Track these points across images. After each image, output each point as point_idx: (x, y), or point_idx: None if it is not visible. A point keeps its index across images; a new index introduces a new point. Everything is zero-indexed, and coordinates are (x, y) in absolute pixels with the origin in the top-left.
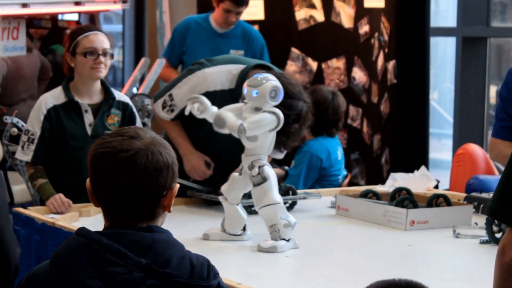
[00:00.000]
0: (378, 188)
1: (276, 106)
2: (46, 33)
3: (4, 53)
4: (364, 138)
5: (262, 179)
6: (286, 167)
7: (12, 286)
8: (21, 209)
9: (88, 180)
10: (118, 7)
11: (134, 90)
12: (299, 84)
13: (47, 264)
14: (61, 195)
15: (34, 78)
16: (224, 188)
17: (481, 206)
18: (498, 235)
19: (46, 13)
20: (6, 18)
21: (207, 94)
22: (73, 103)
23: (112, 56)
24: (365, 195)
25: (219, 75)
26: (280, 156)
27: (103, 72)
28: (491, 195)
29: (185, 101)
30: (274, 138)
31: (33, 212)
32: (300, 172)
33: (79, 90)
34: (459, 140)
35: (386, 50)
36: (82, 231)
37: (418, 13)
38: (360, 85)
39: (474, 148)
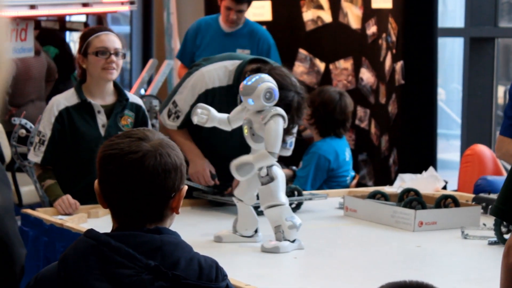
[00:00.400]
0: (386, 189)
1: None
2: (37, 34)
3: (12, 55)
4: (372, 139)
5: (270, 179)
6: (294, 168)
7: (18, 287)
8: (29, 210)
9: (96, 181)
10: (125, 8)
11: (142, 91)
12: (291, 76)
13: (55, 266)
14: (69, 196)
15: (42, 79)
16: (238, 191)
17: (490, 207)
18: (506, 236)
19: (54, 15)
20: (14, 19)
21: (207, 92)
22: (85, 104)
23: (124, 56)
24: (373, 196)
25: (216, 71)
26: (287, 153)
27: (115, 74)
28: None
29: (189, 104)
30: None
31: (42, 213)
32: (308, 173)
33: (91, 91)
34: (467, 141)
35: (394, 50)
36: (91, 232)
37: (425, 14)
38: (368, 86)
39: (482, 148)
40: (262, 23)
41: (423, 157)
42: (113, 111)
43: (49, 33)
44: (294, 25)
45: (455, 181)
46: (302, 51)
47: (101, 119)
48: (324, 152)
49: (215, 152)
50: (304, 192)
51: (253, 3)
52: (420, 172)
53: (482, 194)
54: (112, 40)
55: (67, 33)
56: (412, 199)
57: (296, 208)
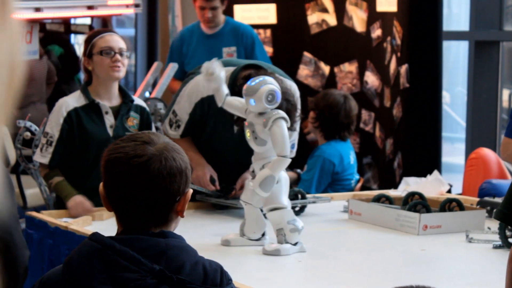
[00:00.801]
0: (391, 192)
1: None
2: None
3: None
4: (377, 142)
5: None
6: (299, 170)
7: None
8: (34, 213)
9: (101, 185)
10: (130, 11)
11: (147, 94)
12: (282, 83)
13: (60, 269)
14: (84, 200)
15: (43, 81)
16: (245, 196)
17: (494, 210)
18: (511, 240)
19: (59, 17)
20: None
21: (203, 101)
22: (93, 105)
23: (128, 56)
24: (377, 199)
25: None
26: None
27: (122, 71)
28: None
29: (187, 113)
30: None
31: (46, 216)
32: (312, 177)
33: (98, 92)
34: (471, 144)
35: (399, 54)
36: (95, 236)
37: (430, 17)
38: (373, 89)
39: (486, 152)
40: (266, 26)
41: (427, 161)
42: (119, 112)
43: (54, 33)
44: (299, 28)
45: (460, 185)
46: (307, 54)
47: (109, 119)
48: (328, 155)
49: (216, 155)
50: (308, 196)
51: (258, 6)
52: (424, 175)
53: (486, 198)
54: (116, 40)
55: (72, 35)
56: (416, 203)
57: (300, 211)
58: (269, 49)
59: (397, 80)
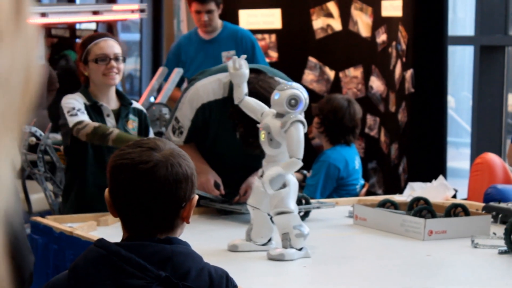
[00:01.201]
0: (396, 197)
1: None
2: (57, 40)
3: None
4: (382, 147)
5: (283, 186)
6: (305, 172)
7: None
8: (39, 218)
9: (106, 190)
10: (136, 16)
11: (152, 99)
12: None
13: (66, 275)
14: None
15: (44, 87)
16: (252, 200)
17: (500, 216)
18: None
19: (64, 22)
20: None
21: (204, 107)
22: (95, 107)
23: (124, 60)
24: (383, 204)
25: (210, 85)
26: None
27: (117, 78)
28: (509, 204)
29: (189, 119)
30: None
31: (51, 221)
32: (317, 182)
33: (96, 96)
34: (477, 149)
35: (404, 59)
36: (101, 242)
37: (435, 22)
38: (378, 94)
39: (492, 157)
40: (272, 31)
41: (432, 166)
42: (120, 115)
43: (67, 39)
44: (304, 33)
45: (465, 190)
46: (312, 59)
47: (111, 122)
48: (333, 160)
49: (219, 161)
50: (312, 201)
51: (263, 11)
52: (430, 180)
53: (492, 203)
54: (111, 45)
55: (77, 41)
56: (422, 208)
57: (304, 216)
58: (274, 54)
59: (402, 85)
